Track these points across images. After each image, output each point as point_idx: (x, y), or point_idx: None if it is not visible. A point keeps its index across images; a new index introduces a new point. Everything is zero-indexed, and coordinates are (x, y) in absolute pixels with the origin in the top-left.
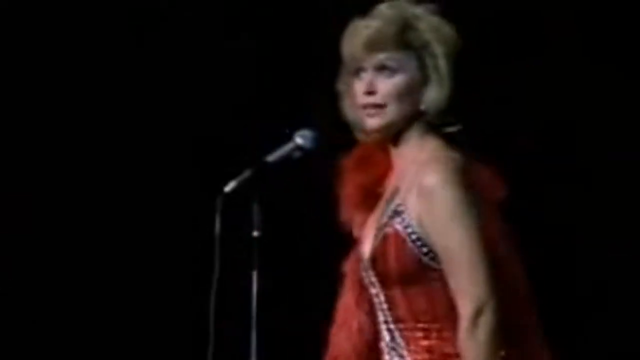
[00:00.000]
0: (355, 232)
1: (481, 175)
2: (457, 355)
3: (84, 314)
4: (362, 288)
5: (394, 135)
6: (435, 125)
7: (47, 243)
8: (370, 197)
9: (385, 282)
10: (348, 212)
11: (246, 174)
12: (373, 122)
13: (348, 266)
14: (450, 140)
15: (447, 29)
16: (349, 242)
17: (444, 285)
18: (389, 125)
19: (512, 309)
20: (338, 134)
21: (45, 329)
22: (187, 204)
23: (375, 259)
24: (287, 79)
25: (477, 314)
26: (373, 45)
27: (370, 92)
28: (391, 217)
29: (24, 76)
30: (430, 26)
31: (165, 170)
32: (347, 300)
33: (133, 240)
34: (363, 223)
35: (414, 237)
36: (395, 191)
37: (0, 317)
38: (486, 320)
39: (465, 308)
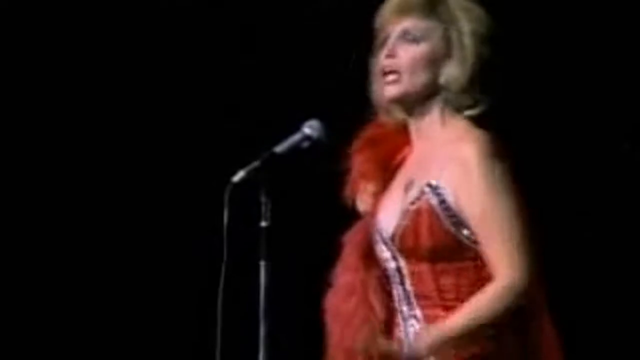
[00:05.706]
0: (363, 206)
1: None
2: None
3: (92, 307)
4: (370, 265)
5: (413, 109)
6: (455, 106)
7: (57, 236)
8: (384, 169)
9: (411, 257)
10: (356, 185)
11: (255, 164)
12: (390, 90)
13: (351, 241)
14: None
15: (479, 11)
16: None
17: (476, 265)
18: (405, 93)
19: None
20: (346, 125)
21: (53, 322)
22: (196, 194)
23: (404, 235)
24: (296, 69)
25: (516, 282)
26: (401, 10)
27: (390, 55)
28: (423, 193)
29: (24, 76)
30: (461, 5)
31: (174, 161)
32: (349, 279)
33: (141, 231)
34: (376, 194)
35: (449, 213)
36: (423, 168)
37: (0, 317)
38: (521, 292)
39: (504, 276)
